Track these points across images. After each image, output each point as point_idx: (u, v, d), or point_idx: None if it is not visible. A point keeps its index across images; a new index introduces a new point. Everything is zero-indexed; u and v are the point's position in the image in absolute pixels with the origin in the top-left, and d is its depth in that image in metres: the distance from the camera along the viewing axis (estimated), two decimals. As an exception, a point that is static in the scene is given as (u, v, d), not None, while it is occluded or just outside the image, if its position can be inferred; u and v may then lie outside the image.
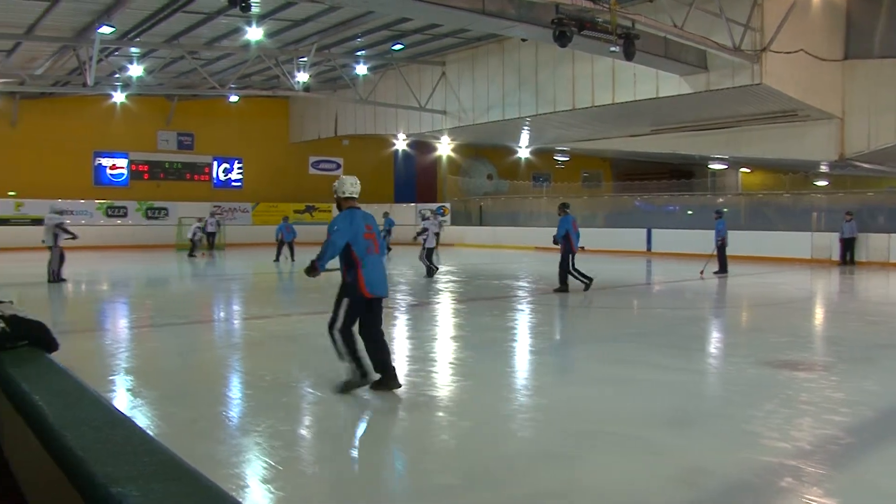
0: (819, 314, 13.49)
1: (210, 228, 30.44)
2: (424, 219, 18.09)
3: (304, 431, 5.45)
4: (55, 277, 15.73)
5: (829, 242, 24.17)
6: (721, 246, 19.26)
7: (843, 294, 16.75)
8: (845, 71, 24.15)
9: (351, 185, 6.51)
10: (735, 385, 6.89)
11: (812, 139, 25.31)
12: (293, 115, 38.22)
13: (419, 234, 18.50)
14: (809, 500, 3.98)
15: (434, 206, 35.01)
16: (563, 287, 14.40)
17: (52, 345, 1.43)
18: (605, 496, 4.10)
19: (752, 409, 5.83)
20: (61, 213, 16.55)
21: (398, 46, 27.10)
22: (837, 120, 24.30)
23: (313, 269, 6.49)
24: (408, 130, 32.82)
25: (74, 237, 16.04)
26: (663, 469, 4.46)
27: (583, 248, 15.30)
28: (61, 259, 15.92)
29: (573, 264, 14.54)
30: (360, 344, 6.22)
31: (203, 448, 4.79)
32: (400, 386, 6.23)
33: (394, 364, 6.37)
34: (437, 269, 18.39)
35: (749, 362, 7.71)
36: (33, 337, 1.42)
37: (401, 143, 34.94)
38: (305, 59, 25.97)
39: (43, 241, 15.99)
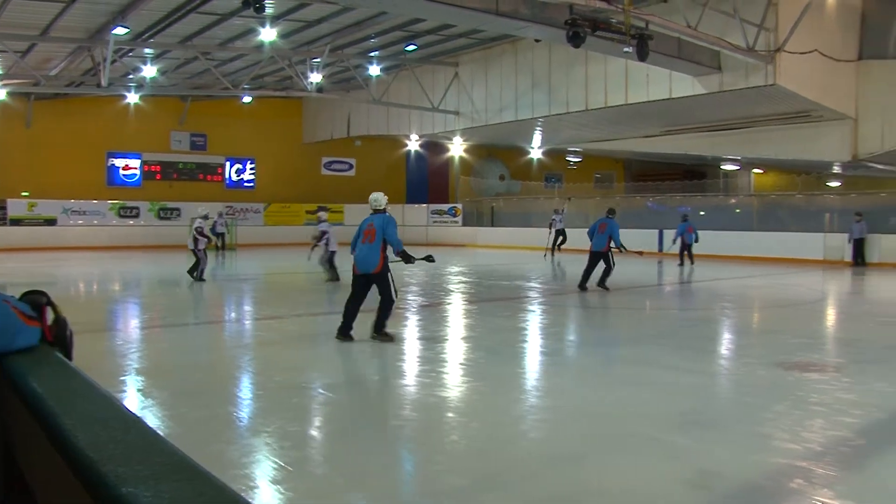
0: (831, 315, 13.41)
1: (219, 229, 30.54)
2: (322, 220, 16.80)
3: (314, 432, 5.46)
4: (199, 276, 16.67)
5: (842, 243, 24.06)
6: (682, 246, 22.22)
7: (854, 295, 16.65)
8: (859, 71, 24.01)
9: (374, 201, 9.06)
10: (747, 387, 6.86)
11: (825, 140, 25.18)
12: (306, 115, 38.31)
13: (319, 238, 16.89)
14: (820, 502, 3.97)
15: (321, 205, 30.30)
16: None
17: (69, 354, 1.40)
18: (615, 499, 4.09)
19: (763, 410, 5.81)
20: (205, 217, 17.88)
21: (411, 47, 27.12)
22: (851, 120, 24.15)
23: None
24: (420, 131, 32.84)
25: (209, 240, 17.77)
26: (675, 471, 4.45)
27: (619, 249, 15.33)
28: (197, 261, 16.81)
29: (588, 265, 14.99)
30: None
31: (213, 448, 4.81)
32: (389, 340, 8.66)
33: (384, 323, 8.69)
34: (338, 279, 16.24)
35: (761, 364, 7.68)
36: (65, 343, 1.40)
37: (413, 144, 34.97)
38: (319, 59, 26.04)
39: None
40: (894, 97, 23.49)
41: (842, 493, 4.13)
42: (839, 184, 34.79)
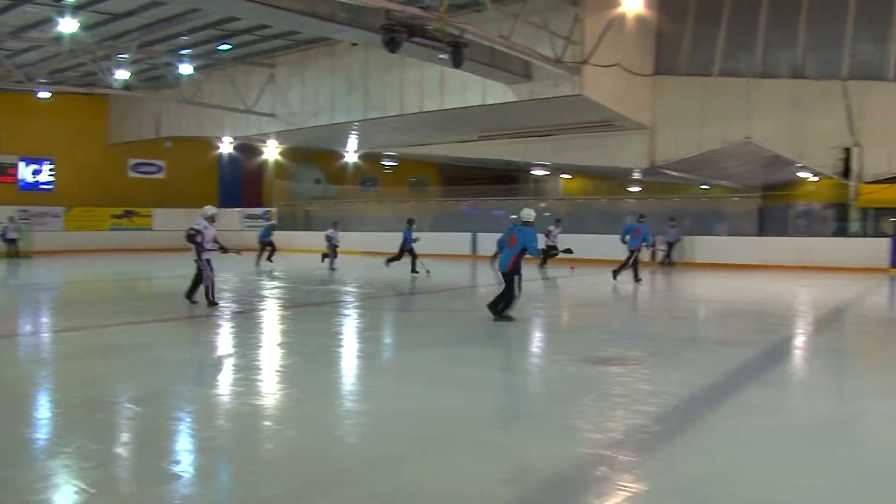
0: (632, 312, 14.30)
1: (11, 235, 28.16)
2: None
3: (119, 449, 5.14)
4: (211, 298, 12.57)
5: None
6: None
7: (654, 293, 17.83)
8: (655, 85, 25.86)
9: (526, 215, 11.13)
10: (556, 382, 7.18)
11: (626, 148, 26.91)
12: (112, 114, 36.20)
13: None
14: (622, 485, 4.23)
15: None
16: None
17: None
18: (433, 498, 4.14)
19: (571, 404, 6.10)
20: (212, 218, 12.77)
21: (225, 46, 26.33)
22: (648, 130, 25.97)
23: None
24: (234, 133, 31.96)
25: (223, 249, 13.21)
26: (491, 468, 4.56)
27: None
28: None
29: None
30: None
31: (3, 475, 4.42)
32: (508, 320, 10.78)
33: (500, 309, 10.86)
34: None
35: (569, 360, 8.07)
36: None
37: (226, 147, 33.96)
38: (126, 55, 24.67)
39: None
40: (685, 110, 25.52)
41: (641, 476, 4.42)
42: (639, 189, 37.28)
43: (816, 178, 28.05)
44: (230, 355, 8.80)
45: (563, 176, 39.73)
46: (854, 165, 23.87)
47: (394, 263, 20.69)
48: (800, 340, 10.48)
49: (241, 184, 39.33)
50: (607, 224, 28.19)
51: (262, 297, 15.44)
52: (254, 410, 6.01)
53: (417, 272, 19.99)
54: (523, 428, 5.52)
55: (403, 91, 25.20)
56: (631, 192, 37.28)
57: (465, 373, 7.49)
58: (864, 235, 24.25)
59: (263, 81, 29.08)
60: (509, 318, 10.86)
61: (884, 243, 22.93)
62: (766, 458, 4.80)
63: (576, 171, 37.12)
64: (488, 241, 28.20)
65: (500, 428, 5.49)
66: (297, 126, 28.87)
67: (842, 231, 24.99)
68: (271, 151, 35.54)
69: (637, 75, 24.59)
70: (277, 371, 7.69)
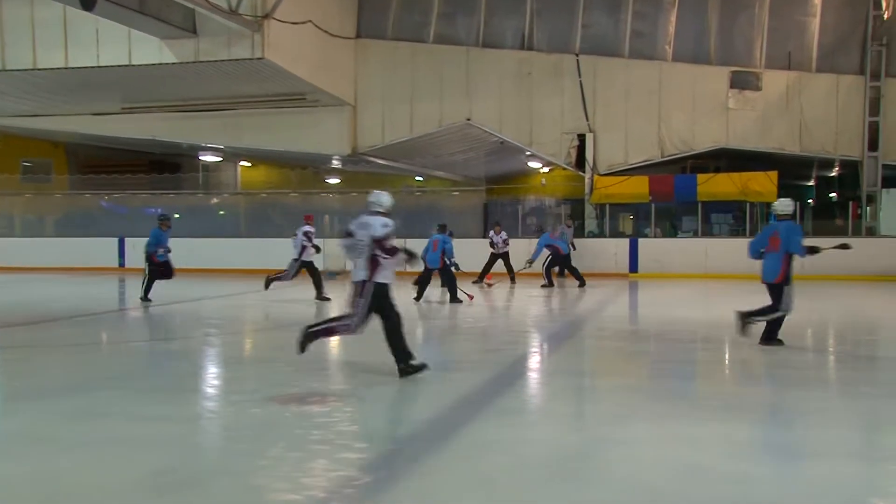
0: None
1: None
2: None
3: None
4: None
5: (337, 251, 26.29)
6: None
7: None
8: (358, 51, 26.62)
9: (783, 206, 11.22)
10: (237, 430, 7.08)
11: (322, 129, 27.40)
12: None
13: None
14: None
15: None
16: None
17: None
18: None
19: (256, 457, 6.03)
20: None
21: None
22: (350, 108, 26.66)
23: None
24: None
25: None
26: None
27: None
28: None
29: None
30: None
31: None
32: (779, 344, 11.22)
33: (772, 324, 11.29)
34: None
35: (253, 400, 8.00)
36: None
37: None
38: None
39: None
40: (394, 83, 26.53)
41: (348, 543, 4.47)
42: (339, 181, 38.12)
43: (548, 169, 30.41)
44: None
45: (241, 164, 39.52)
46: (589, 155, 26.16)
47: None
48: (534, 361, 11.27)
49: None
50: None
51: None
52: None
53: (461, 300, 18.47)
54: (191, 493, 5.37)
55: (5, 38, 23.56)
56: (329, 184, 38.00)
57: (106, 427, 7.13)
58: (602, 236, 26.65)
59: None
60: (779, 342, 11.27)
61: (598, 244, 25.35)
62: (496, 502, 5.08)
63: (258, 157, 37.09)
64: (140, 248, 27.39)
65: (167, 495, 5.29)
66: None
67: (576, 231, 27.06)
68: None
69: (336, 37, 25.13)
70: None
